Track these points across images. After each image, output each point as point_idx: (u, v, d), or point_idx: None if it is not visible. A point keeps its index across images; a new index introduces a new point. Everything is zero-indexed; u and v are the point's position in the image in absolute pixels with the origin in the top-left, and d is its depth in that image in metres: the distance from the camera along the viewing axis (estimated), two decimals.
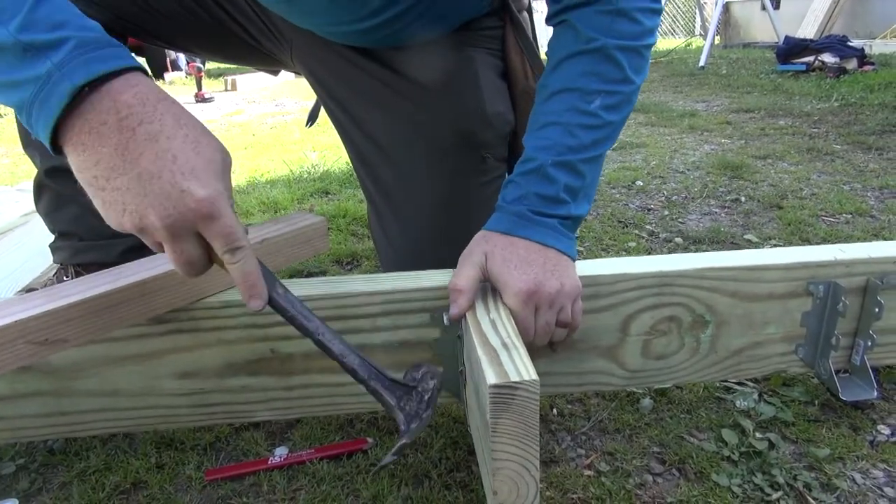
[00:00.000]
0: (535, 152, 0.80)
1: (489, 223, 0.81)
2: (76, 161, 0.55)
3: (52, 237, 1.16)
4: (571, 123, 0.79)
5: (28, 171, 1.07)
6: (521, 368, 0.61)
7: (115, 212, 0.55)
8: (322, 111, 1.20)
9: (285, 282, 0.83)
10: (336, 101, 1.08)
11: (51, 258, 1.18)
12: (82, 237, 1.11)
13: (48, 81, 0.53)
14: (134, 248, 1.10)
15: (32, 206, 1.15)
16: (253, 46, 1.11)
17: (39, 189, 1.10)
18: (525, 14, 1.05)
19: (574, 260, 0.79)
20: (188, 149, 0.55)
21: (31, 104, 0.54)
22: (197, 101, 5.03)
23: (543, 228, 0.78)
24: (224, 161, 0.58)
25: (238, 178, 2.41)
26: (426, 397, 0.67)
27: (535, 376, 0.59)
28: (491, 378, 0.59)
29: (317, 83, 1.10)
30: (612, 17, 0.79)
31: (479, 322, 0.71)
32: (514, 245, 0.77)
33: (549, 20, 0.86)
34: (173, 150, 0.54)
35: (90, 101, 0.54)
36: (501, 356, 0.63)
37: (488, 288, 0.78)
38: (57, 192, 1.09)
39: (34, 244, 1.54)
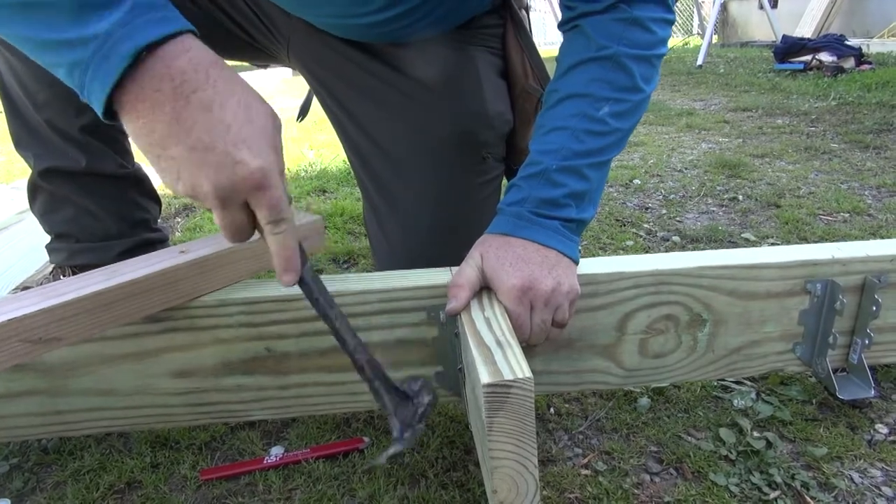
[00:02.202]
0: (539, 156, 0.79)
1: (490, 227, 0.80)
2: (132, 128, 0.54)
3: (47, 236, 1.15)
4: (578, 129, 0.78)
5: (23, 168, 1.07)
6: (515, 366, 0.61)
7: (170, 178, 0.55)
8: (315, 106, 1.20)
9: None
10: (333, 97, 1.07)
11: (45, 256, 1.18)
12: (78, 239, 1.11)
13: (108, 41, 0.51)
14: (130, 250, 1.09)
15: (27, 205, 1.14)
16: (249, 43, 1.10)
17: (34, 190, 1.10)
18: (524, 12, 1.05)
19: (576, 262, 0.79)
20: (241, 117, 0.54)
21: (86, 65, 0.51)
22: None
23: (543, 229, 0.77)
24: (275, 126, 0.57)
25: None
26: (420, 411, 0.68)
27: (528, 374, 0.59)
28: (485, 377, 0.59)
29: (314, 79, 1.10)
30: (626, 25, 0.79)
31: (473, 321, 0.71)
32: (510, 244, 0.76)
33: (561, 26, 0.86)
34: (226, 119, 0.53)
35: (146, 65, 0.52)
36: (496, 354, 0.63)
37: (486, 288, 0.78)
38: (52, 194, 1.08)
39: (29, 242, 1.54)
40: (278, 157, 0.57)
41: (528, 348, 0.84)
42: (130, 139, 0.55)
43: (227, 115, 0.53)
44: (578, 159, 0.78)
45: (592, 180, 0.79)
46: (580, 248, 1.54)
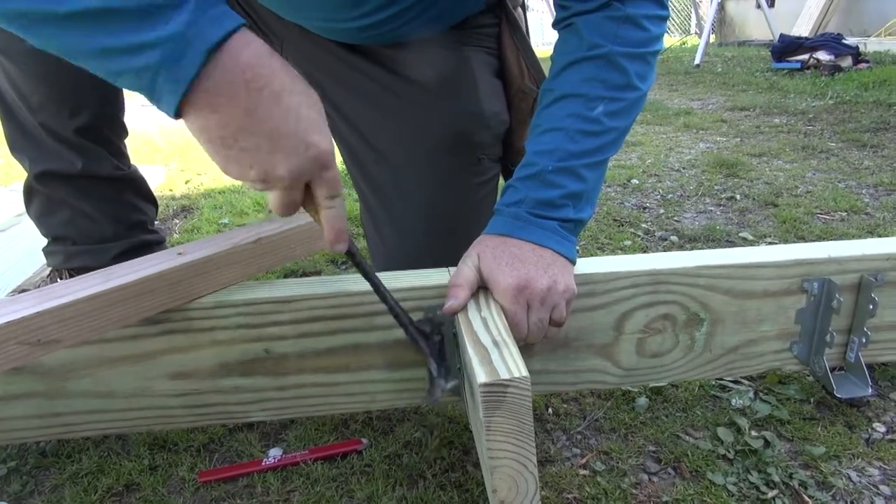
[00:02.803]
0: (535, 157, 0.80)
1: (487, 227, 0.80)
2: (203, 124, 0.55)
3: (44, 239, 1.15)
4: (573, 129, 0.78)
5: (21, 171, 1.07)
6: (512, 365, 0.61)
7: (239, 167, 0.58)
8: None
9: (281, 281, 0.83)
10: (328, 99, 1.07)
11: (43, 259, 1.17)
12: (75, 241, 1.11)
13: (179, 42, 0.51)
14: (127, 252, 1.09)
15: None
16: None
17: (30, 193, 1.10)
18: (520, 10, 1.05)
19: (573, 262, 0.79)
20: (304, 104, 0.57)
21: (157, 68, 0.52)
22: None
23: (540, 230, 0.77)
24: (322, 107, 0.60)
25: None
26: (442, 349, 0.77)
27: (525, 373, 0.59)
28: (482, 377, 0.59)
29: (309, 82, 1.10)
30: (619, 23, 0.79)
31: (470, 321, 0.71)
32: (507, 244, 0.77)
33: (556, 24, 0.86)
34: (294, 107, 0.56)
35: (214, 61, 0.53)
36: (492, 354, 0.63)
37: (483, 288, 0.78)
38: (48, 197, 1.08)
39: (27, 245, 1.54)
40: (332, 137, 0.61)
41: (526, 348, 0.84)
42: (193, 134, 0.57)
43: (294, 102, 0.56)
44: (574, 160, 0.78)
45: (589, 180, 0.80)
46: (578, 248, 1.55)
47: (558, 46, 0.84)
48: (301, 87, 0.58)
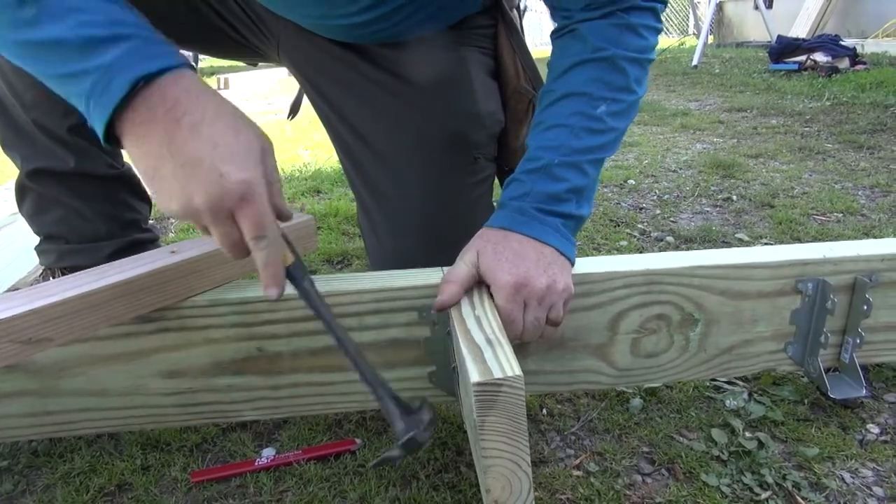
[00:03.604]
0: (540, 152, 0.80)
1: (490, 220, 0.80)
2: (131, 153, 0.58)
3: (37, 237, 1.15)
4: (577, 126, 0.79)
5: (15, 169, 1.07)
6: (505, 364, 0.60)
7: (164, 199, 0.58)
8: (305, 106, 1.20)
9: None
10: (323, 97, 1.07)
11: (37, 258, 1.17)
12: (68, 240, 1.10)
13: (108, 72, 0.56)
14: (121, 251, 1.09)
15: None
16: (240, 42, 1.10)
17: (22, 192, 1.09)
18: (515, 12, 1.05)
19: (572, 262, 0.79)
20: (228, 136, 0.57)
21: (90, 94, 0.56)
22: None
23: (543, 226, 0.77)
24: (263, 148, 0.60)
25: None
26: (425, 420, 0.66)
27: (518, 371, 0.59)
28: (475, 376, 0.59)
29: (304, 79, 1.10)
30: (622, 30, 0.81)
31: (463, 319, 0.71)
32: (508, 239, 0.76)
33: (555, 33, 0.87)
34: (214, 137, 0.56)
35: (143, 95, 0.56)
36: (485, 353, 0.63)
37: (477, 286, 0.78)
38: (40, 195, 1.08)
39: (21, 244, 1.53)
40: (266, 174, 0.59)
41: (521, 347, 0.84)
42: (133, 166, 0.59)
43: (214, 132, 0.57)
44: (578, 155, 0.79)
45: (591, 177, 0.80)
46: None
47: (558, 51, 0.85)
48: (229, 119, 0.58)
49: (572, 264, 0.79)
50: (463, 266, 0.76)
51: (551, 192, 0.78)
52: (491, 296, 0.75)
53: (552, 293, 0.75)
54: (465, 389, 0.67)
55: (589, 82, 0.81)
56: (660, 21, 0.86)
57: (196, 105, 0.57)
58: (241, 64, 1.41)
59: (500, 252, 0.75)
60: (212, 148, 0.56)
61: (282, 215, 0.63)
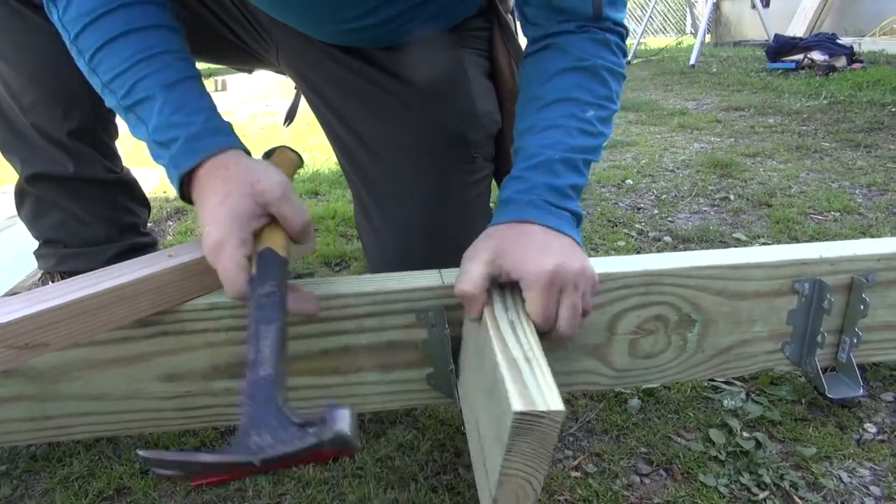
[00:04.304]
0: (539, 149, 0.79)
1: (496, 217, 0.77)
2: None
3: (36, 242, 1.15)
4: (571, 127, 0.80)
5: (13, 173, 1.07)
6: (548, 395, 0.57)
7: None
8: (305, 110, 1.20)
9: None
10: (323, 100, 1.07)
11: (35, 262, 1.17)
12: (67, 244, 1.10)
13: (170, 164, 0.75)
14: (120, 255, 1.09)
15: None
16: (239, 46, 1.10)
17: (21, 196, 1.09)
18: (510, 16, 1.05)
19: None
20: (216, 204, 0.71)
21: (167, 166, 0.76)
22: None
23: (559, 218, 0.75)
24: (248, 211, 0.70)
25: None
26: (304, 439, 0.56)
27: (561, 406, 0.55)
28: (517, 404, 0.55)
29: (304, 83, 1.10)
30: (599, 44, 0.83)
31: (497, 322, 0.68)
32: (531, 231, 0.73)
33: (531, 46, 0.88)
34: (209, 207, 0.71)
35: (195, 174, 0.74)
36: (524, 374, 0.59)
37: (499, 286, 0.74)
38: (39, 199, 1.08)
39: (20, 248, 1.53)
40: (240, 233, 0.69)
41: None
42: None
43: (210, 205, 0.71)
44: (576, 153, 0.79)
45: (585, 177, 0.81)
46: None
47: (539, 63, 0.85)
48: (227, 189, 0.71)
49: None
50: (477, 269, 0.71)
51: (556, 185, 0.77)
52: (520, 294, 0.71)
53: (584, 277, 0.71)
54: (491, 401, 0.65)
55: (575, 88, 0.82)
56: (625, 42, 0.88)
57: (210, 184, 0.73)
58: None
59: (525, 243, 0.71)
60: (205, 216, 0.72)
61: (295, 236, 0.74)
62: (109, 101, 0.78)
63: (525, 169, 0.79)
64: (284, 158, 0.90)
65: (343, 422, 0.57)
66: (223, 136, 0.76)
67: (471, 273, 0.71)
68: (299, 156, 0.90)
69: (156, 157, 0.77)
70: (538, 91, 0.84)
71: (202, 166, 0.73)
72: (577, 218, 0.79)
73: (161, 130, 0.75)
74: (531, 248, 0.71)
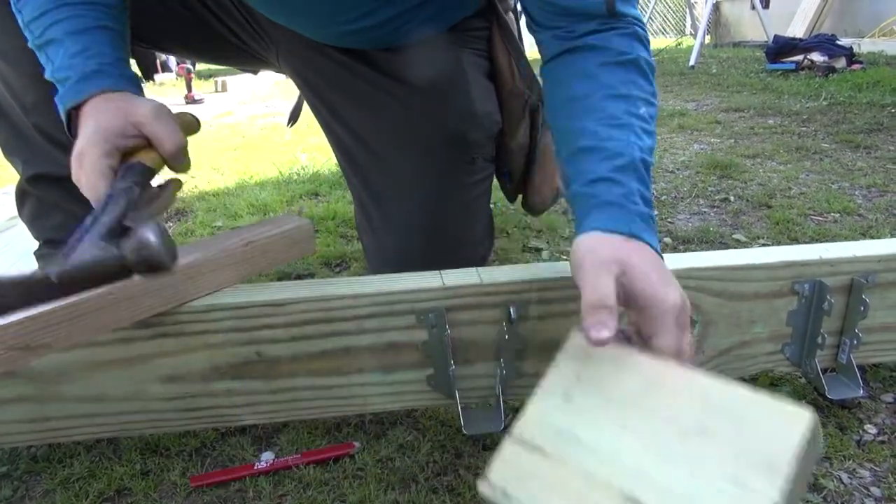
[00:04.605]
0: (623, 147, 0.69)
1: (602, 222, 0.65)
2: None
3: (37, 243, 1.15)
4: (635, 126, 0.71)
5: (14, 173, 1.07)
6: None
7: None
8: (307, 110, 1.20)
9: (272, 284, 0.83)
10: (324, 102, 1.07)
11: (36, 263, 1.17)
12: None
13: (59, 101, 0.78)
14: None
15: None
16: (240, 47, 1.10)
17: (22, 196, 1.09)
18: (511, 15, 1.05)
19: None
20: (90, 125, 0.73)
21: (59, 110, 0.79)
22: (187, 103, 5.01)
23: (653, 234, 0.66)
24: (118, 126, 0.73)
25: (227, 179, 2.40)
26: (106, 250, 0.59)
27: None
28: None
29: (304, 84, 1.10)
30: (632, 38, 0.77)
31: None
32: (646, 251, 0.63)
33: (552, 50, 0.79)
34: (81, 132, 0.74)
35: (81, 110, 0.76)
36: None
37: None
38: (40, 199, 1.08)
39: (20, 248, 1.53)
40: (105, 145, 0.72)
41: (519, 351, 0.84)
42: None
43: (84, 129, 0.74)
44: (647, 155, 0.71)
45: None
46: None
47: (573, 64, 0.77)
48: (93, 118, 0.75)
49: None
50: (610, 281, 0.59)
51: (647, 195, 0.68)
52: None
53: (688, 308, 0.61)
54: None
55: (624, 83, 0.74)
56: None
57: (90, 114, 0.75)
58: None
59: (648, 266, 0.61)
60: (78, 137, 0.75)
61: (168, 157, 0.75)
62: (28, 41, 0.80)
63: (613, 170, 0.68)
64: (183, 115, 0.87)
65: (148, 232, 0.58)
66: (118, 81, 0.77)
67: (604, 285, 0.58)
68: (197, 120, 0.89)
69: (55, 97, 0.78)
70: (582, 89, 0.74)
71: (88, 102, 0.75)
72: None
73: (61, 70, 0.77)
74: (654, 273, 0.61)
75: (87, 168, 0.70)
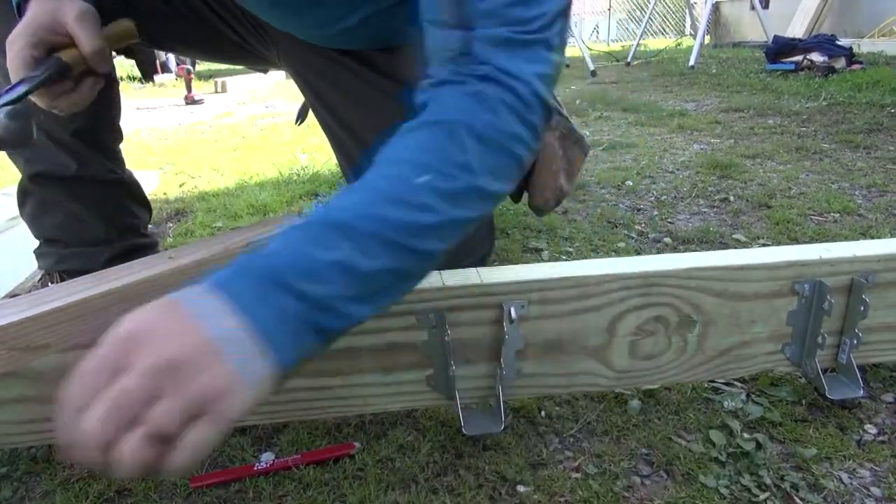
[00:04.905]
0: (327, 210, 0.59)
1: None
2: None
3: (37, 243, 1.15)
4: (385, 193, 0.58)
5: (14, 175, 1.08)
6: None
7: None
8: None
9: None
10: (323, 102, 1.07)
11: (36, 264, 1.17)
12: (67, 244, 1.10)
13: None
14: (119, 256, 1.09)
15: (18, 211, 1.14)
16: (243, 47, 1.10)
17: (24, 195, 1.10)
18: None
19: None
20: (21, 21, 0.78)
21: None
22: (187, 104, 5.01)
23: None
24: (45, 21, 0.77)
25: (227, 180, 2.40)
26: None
27: None
28: None
29: (304, 84, 1.10)
30: (471, 98, 0.62)
31: None
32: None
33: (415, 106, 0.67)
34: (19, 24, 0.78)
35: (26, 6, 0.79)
36: None
37: None
38: (41, 198, 1.08)
39: (20, 249, 1.53)
40: (31, 37, 0.77)
41: (520, 351, 0.84)
42: None
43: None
44: (378, 226, 0.57)
45: (381, 261, 0.57)
46: (571, 250, 1.55)
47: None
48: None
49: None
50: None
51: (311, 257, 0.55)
52: None
53: None
54: None
55: (415, 148, 0.61)
56: (531, 112, 0.64)
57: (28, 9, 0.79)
58: (238, 67, 1.41)
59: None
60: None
61: (87, 57, 0.79)
62: None
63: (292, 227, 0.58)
64: (118, 23, 0.89)
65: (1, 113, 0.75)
66: None
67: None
68: (134, 28, 0.89)
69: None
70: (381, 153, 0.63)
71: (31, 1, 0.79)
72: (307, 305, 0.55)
73: None
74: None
75: (12, 54, 0.77)
